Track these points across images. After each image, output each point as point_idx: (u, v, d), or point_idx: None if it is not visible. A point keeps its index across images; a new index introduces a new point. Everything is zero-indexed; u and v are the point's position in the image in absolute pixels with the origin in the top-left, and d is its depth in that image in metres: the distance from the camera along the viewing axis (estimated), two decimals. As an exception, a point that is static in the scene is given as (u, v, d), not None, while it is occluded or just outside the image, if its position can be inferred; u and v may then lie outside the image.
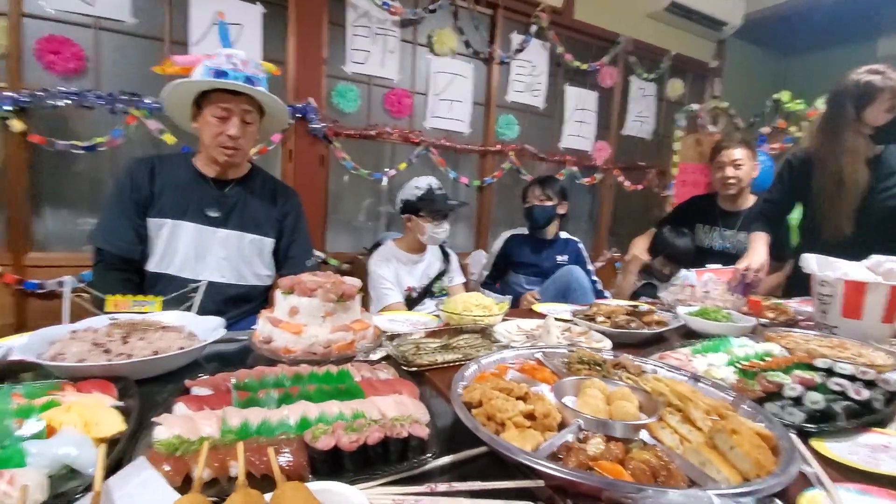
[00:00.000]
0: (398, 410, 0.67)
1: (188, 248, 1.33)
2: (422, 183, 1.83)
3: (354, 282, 1.00)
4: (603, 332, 1.16)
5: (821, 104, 3.32)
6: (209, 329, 0.88)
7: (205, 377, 0.75)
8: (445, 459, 0.61)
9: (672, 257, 2.19)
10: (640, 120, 3.76)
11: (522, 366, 0.89)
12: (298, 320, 0.89)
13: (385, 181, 2.70)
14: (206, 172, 1.37)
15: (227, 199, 1.38)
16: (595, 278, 2.19)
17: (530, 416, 0.67)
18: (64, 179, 2.10)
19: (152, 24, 2.12)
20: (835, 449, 0.69)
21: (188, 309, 1.12)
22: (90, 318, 0.88)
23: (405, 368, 0.90)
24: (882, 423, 0.79)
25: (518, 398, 0.71)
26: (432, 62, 2.70)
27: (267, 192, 1.47)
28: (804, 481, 0.60)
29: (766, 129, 3.47)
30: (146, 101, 2.03)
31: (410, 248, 1.87)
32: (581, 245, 2.30)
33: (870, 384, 0.86)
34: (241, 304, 1.39)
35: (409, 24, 2.62)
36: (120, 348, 0.76)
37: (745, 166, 2.06)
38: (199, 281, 1.21)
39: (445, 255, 2.00)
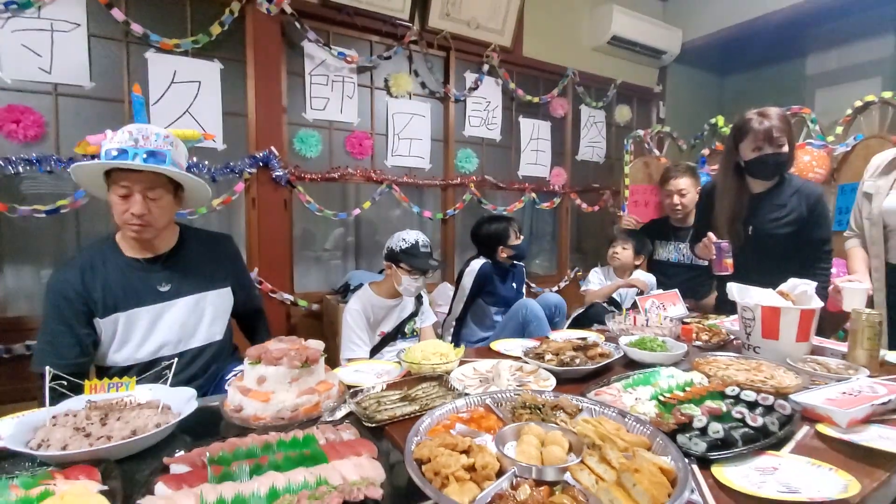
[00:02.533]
0: (357, 473, 0.76)
1: (148, 330, 1.33)
2: (410, 237, 1.88)
3: (318, 345, 1.09)
4: (550, 371, 1.28)
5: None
6: (183, 401, 0.95)
7: (182, 453, 0.83)
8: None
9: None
10: (592, 145, 3.98)
11: (472, 414, 1.00)
12: (266, 388, 0.97)
13: (351, 218, 2.80)
14: (136, 255, 1.35)
15: (172, 269, 1.38)
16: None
17: (471, 468, 0.78)
18: (28, 239, 2.11)
19: (111, 86, 2.18)
20: (730, 474, 0.82)
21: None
22: (67, 400, 0.94)
23: (367, 425, 0.99)
24: (777, 446, 0.92)
25: (462, 451, 0.81)
26: (390, 104, 2.84)
27: (205, 247, 1.49)
28: (695, 508, 0.73)
29: (706, 151, 3.74)
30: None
31: (388, 293, 1.91)
32: (524, 269, 2.48)
33: (769, 409, 1.01)
34: (213, 361, 1.45)
35: (366, 70, 2.75)
36: (99, 431, 0.83)
37: (689, 194, 2.31)
38: (171, 358, 1.25)
39: (418, 297, 2.07)
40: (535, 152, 3.56)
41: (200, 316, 1.42)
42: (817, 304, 1.47)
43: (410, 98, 2.89)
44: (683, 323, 1.75)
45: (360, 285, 1.99)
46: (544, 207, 3.60)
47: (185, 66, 2.25)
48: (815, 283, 1.52)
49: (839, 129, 3.34)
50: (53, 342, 1.24)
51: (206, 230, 1.59)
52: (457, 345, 2.13)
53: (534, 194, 3.48)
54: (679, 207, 2.30)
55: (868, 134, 3.20)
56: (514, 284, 2.36)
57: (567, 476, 0.77)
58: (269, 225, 2.42)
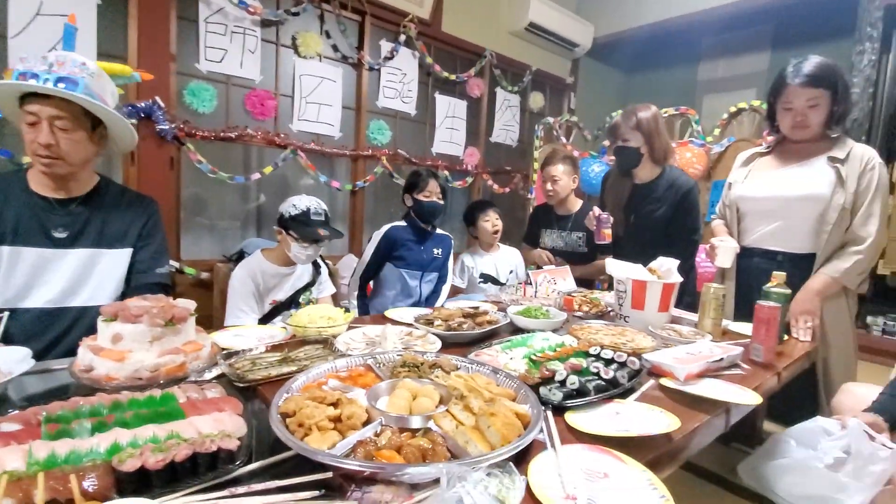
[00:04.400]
0: (214, 427, 0.73)
1: (29, 275, 1.23)
2: (302, 203, 1.78)
3: (187, 304, 1.02)
4: (437, 335, 1.32)
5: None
6: (14, 361, 0.85)
7: (14, 412, 0.74)
8: (254, 465, 0.70)
9: None
10: (506, 129, 4.09)
11: (350, 373, 1.00)
12: (122, 347, 0.89)
13: (251, 183, 2.63)
14: (43, 192, 1.26)
15: (75, 217, 1.29)
16: (452, 275, 2.38)
17: (337, 419, 0.79)
18: None
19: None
20: (579, 418, 0.90)
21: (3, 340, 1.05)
22: None
23: (238, 385, 0.96)
24: (624, 396, 1.04)
25: (330, 404, 0.82)
26: (298, 64, 2.68)
27: (123, 203, 1.39)
28: (542, 446, 0.80)
29: (606, 142, 4.01)
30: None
31: (281, 260, 1.82)
32: (452, 241, 2.40)
33: (622, 365, 1.13)
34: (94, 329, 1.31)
35: (271, 25, 2.57)
36: None
37: (562, 181, 2.46)
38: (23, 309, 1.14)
39: (316, 266, 2.00)
40: (450, 130, 3.59)
41: (89, 274, 1.31)
42: (677, 279, 1.65)
43: (321, 60, 2.76)
44: (569, 295, 1.89)
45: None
46: (457, 186, 3.66)
47: (54, -4, 1.94)
48: (677, 261, 1.71)
49: (717, 131, 3.75)
50: None
51: (132, 189, 1.49)
52: (364, 312, 2.13)
53: (447, 172, 3.52)
54: (551, 193, 2.45)
55: (739, 137, 3.64)
56: (436, 251, 2.26)
57: (431, 423, 0.80)
58: (150, 184, 2.20)
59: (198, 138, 2.35)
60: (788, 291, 1.50)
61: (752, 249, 1.85)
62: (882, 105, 3.26)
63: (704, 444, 0.99)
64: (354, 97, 3.00)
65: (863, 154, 1.70)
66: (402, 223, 2.23)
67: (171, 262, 2.22)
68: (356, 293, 2.22)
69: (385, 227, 2.22)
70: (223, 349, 1.09)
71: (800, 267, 1.74)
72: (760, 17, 3.93)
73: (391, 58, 3.06)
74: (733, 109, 3.66)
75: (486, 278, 2.50)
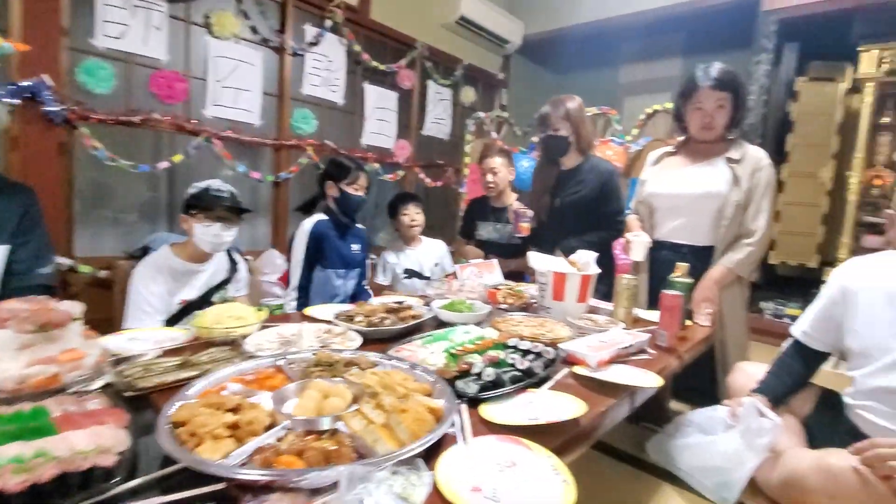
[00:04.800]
0: (91, 442, 0.66)
1: None
2: (204, 183, 1.65)
3: (71, 307, 0.91)
4: (358, 332, 1.29)
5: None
6: None
7: None
8: (136, 482, 0.63)
9: None
10: (437, 122, 4.09)
11: (257, 375, 0.95)
12: (-19, 356, 0.78)
13: (159, 172, 2.42)
14: None
15: None
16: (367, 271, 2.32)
17: (235, 426, 0.74)
18: None
19: None
20: (493, 409, 0.91)
21: None
22: None
23: (127, 394, 0.87)
24: (538, 385, 1.07)
25: (228, 410, 0.76)
26: (211, 45, 2.49)
27: None
28: (455, 440, 0.80)
29: (535, 138, 4.13)
30: None
31: (191, 255, 1.66)
32: (365, 233, 2.32)
33: (538, 355, 1.16)
34: None
35: (180, 1, 2.37)
36: None
37: (501, 173, 2.49)
38: None
39: (233, 262, 1.87)
40: (381, 122, 3.52)
41: None
42: (595, 271, 1.73)
43: (237, 42, 2.58)
44: (495, 288, 1.92)
45: (164, 249, 1.72)
46: (388, 179, 3.60)
47: None
48: (596, 254, 1.79)
49: (635, 131, 3.99)
50: None
51: (4, 176, 1.34)
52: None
53: (377, 165, 3.45)
54: (492, 185, 2.49)
55: (655, 137, 3.89)
56: (354, 246, 2.17)
57: (341, 424, 0.77)
58: (37, 172, 1.95)
59: (94, 122, 2.11)
60: (691, 281, 1.62)
61: (662, 243, 1.99)
62: (772, 112, 3.61)
63: (611, 426, 1.04)
64: (277, 83, 2.84)
65: (755, 155, 1.87)
66: (324, 217, 2.08)
67: (62, 260, 1.99)
68: (294, 305, 2.05)
69: (308, 224, 2.05)
70: (114, 355, 0.99)
71: (701, 258, 1.89)
72: (673, 26, 4.21)
73: (316, 43, 2.93)
74: (649, 111, 3.91)
75: (411, 273, 2.48)
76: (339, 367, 0.99)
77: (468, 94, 4.35)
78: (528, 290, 2.01)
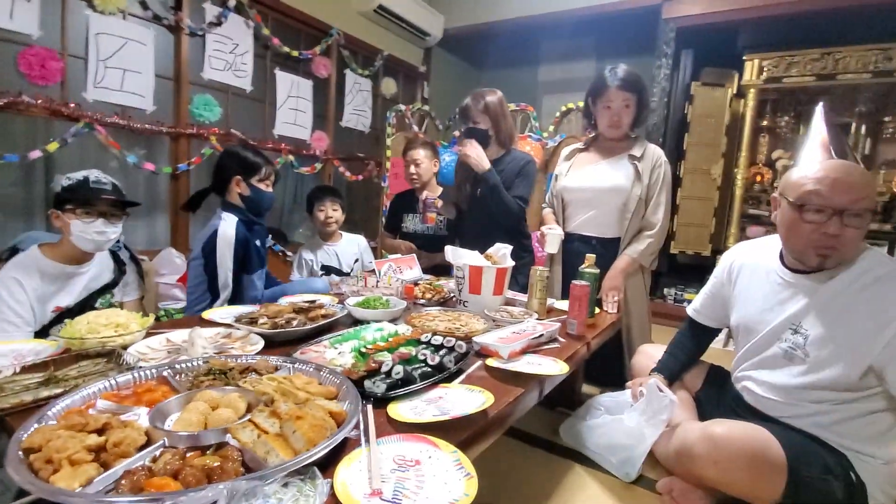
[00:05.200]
0: None
1: None
2: (78, 174, 1.46)
3: None
4: (261, 335, 1.20)
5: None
6: None
7: None
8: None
9: None
10: (357, 113, 3.97)
11: (135, 389, 0.85)
12: None
13: (30, 161, 2.11)
14: None
15: None
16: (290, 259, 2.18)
17: (102, 448, 0.65)
18: None
19: None
20: (401, 408, 0.89)
21: None
22: None
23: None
24: (450, 379, 1.06)
25: (93, 431, 0.67)
26: (93, 20, 2.20)
27: None
28: (358, 443, 0.76)
29: (457, 132, 4.16)
30: None
31: (66, 255, 1.46)
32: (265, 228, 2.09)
33: (450, 350, 1.15)
34: None
35: (53, -32, 2.08)
36: None
37: (424, 164, 2.47)
38: None
39: (119, 263, 1.67)
40: (294, 111, 3.34)
41: None
42: (510, 263, 1.76)
43: (125, 18, 2.31)
44: (413, 283, 1.89)
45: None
46: (304, 172, 3.44)
47: None
48: (511, 247, 1.82)
49: (551, 128, 4.14)
50: None
51: None
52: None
53: (292, 157, 3.28)
54: (415, 177, 2.46)
55: (569, 134, 4.07)
56: (257, 242, 1.93)
57: (229, 437, 0.71)
58: None
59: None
60: (597, 271, 1.69)
61: (574, 235, 2.07)
62: (672, 113, 3.92)
63: (520, 415, 1.06)
64: (173, 66, 2.58)
65: (654, 153, 2.00)
66: (236, 218, 1.80)
67: None
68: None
69: (230, 230, 1.77)
70: (-49, 376, 0.84)
71: (609, 249, 1.99)
72: (586, 29, 4.42)
73: (218, 24, 2.70)
74: (564, 109, 4.08)
75: (328, 270, 2.39)
76: (234, 374, 0.91)
77: (389, 86, 4.28)
78: (447, 284, 2.02)
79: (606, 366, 2.03)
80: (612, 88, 1.91)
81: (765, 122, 3.82)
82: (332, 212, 2.41)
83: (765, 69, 3.46)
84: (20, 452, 0.63)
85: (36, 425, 0.70)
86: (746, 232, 3.62)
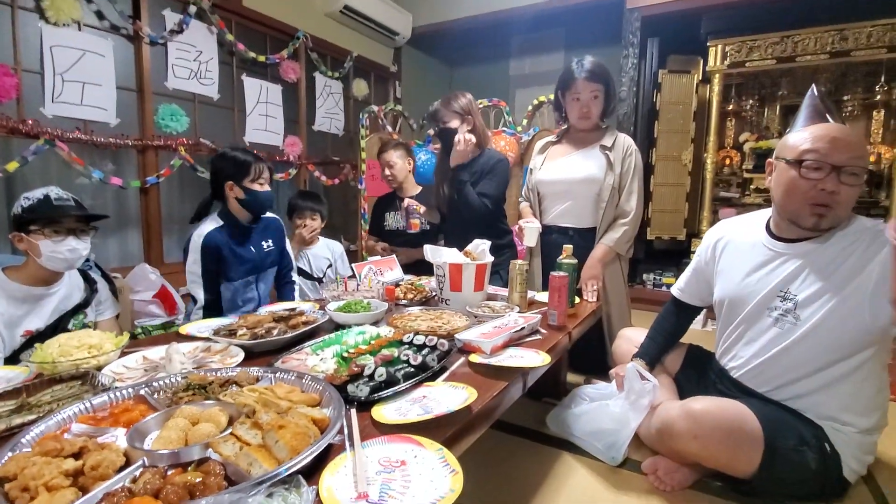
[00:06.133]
0: None
1: None
2: (36, 193, 1.41)
3: None
4: (241, 346, 1.19)
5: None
6: None
7: None
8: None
9: None
10: (329, 116, 3.94)
11: (111, 410, 0.83)
12: None
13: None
14: None
15: None
16: (292, 262, 2.16)
17: (80, 472, 0.63)
18: None
19: None
20: (386, 410, 0.89)
21: None
22: None
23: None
24: (433, 378, 1.06)
25: (69, 456, 0.66)
26: (46, 33, 2.13)
27: None
28: (342, 449, 0.76)
29: (431, 131, 4.15)
30: None
31: (32, 277, 1.42)
32: (279, 221, 2.10)
33: (432, 349, 1.15)
34: None
35: (1, -20, 2.00)
36: None
37: (398, 165, 2.48)
38: None
39: (89, 281, 1.62)
40: (265, 117, 3.30)
41: None
42: (489, 259, 1.77)
43: (80, 29, 2.24)
44: (394, 285, 1.89)
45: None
46: (279, 179, 3.40)
47: None
48: (489, 242, 1.83)
49: (525, 122, 4.17)
50: None
51: None
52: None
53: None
54: (390, 178, 2.48)
55: (542, 127, 4.10)
56: (265, 244, 1.95)
57: (211, 452, 0.70)
58: None
59: None
60: (575, 261, 1.72)
61: (551, 227, 2.10)
62: (642, 102, 3.98)
63: (505, 408, 1.07)
64: (135, 76, 2.52)
65: (624, 142, 2.04)
66: (217, 224, 1.80)
67: None
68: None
69: (197, 238, 1.76)
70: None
71: (586, 239, 2.02)
72: (554, 22, 4.46)
73: (180, 31, 2.64)
74: (536, 102, 4.11)
75: (300, 273, 2.38)
76: (214, 388, 0.90)
77: (360, 87, 4.25)
78: (429, 283, 2.02)
79: (590, 354, 2.07)
80: (579, 80, 1.94)
81: (731, 107, 3.92)
82: (311, 221, 2.41)
83: (728, 54, 3.55)
84: (-7, 484, 0.62)
85: (10, 454, 0.68)
86: (718, 214, 3.71)
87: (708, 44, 3.59)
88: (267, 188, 1.87)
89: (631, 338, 1.73)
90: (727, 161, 4.02)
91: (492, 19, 4.40)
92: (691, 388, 1.50)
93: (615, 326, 2.04)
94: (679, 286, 1.63)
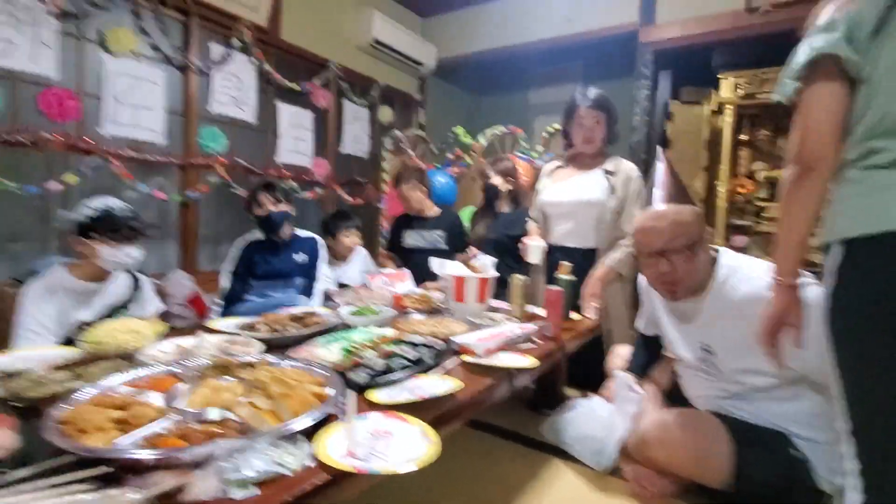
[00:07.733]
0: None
1: None
2: (98, 203, 1.62)
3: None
4: (261, 340, 1.34)
5: (482, 139, 4.39)
6: None
7: None
8: (25, 471, 0.66)
9: None
10: (356, 140, 4.17)
11: (150, 381, 0.98)
12: None
13: (50, 193, 2.29)
14: None
15: None
16: (326, 274, 2.38)
17: (123, 421, 0.78)
18: None
19: None
20: (380, 394, 1.01)
21: None
22: None
23: (15, 405, 0.88)
24: (427, 371, 1.19)
25: (116, 407, 0.81)
26: (107, 62, 2.41)
27: None
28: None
29: (451, 156, 4.36)
30: None
31: (88, 274, 1.62)
32: (319, 241, 2.45)
33: (429, 347, 1.28)
34: None
35: (71, 18, 2.29)
36: None
37: (413, 199, 2.78)
38: None
39: (135, 279, 1.83)
40: (296, 140, 3.54)
41: None
42: (493, 274, 1.90)
43: (137, 59, 2.52)
44: (405, 295, 2.03)
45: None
46: (307, 197, 3.61)
47: None
48: (496, 260, 1.96)
49: (541, 148, 4.33)
50: None
51: None
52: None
53: (294, 183, 3.46)
54: (408, 209, 2.80)
55: (556, 153, 4.25)
56: (297, 256, 2.32)
57: (230, 414, 0.84)
58: None
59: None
60: (573, 278, 1.83)
61: (555, 246, 2.21)
62: (655, 130, 4.09)
63: (490, 402, 1.18)
64: (182, 102, 2.79)
65: (627, 168, 2.15)
66: (258, 237, 2.29)
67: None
68: (220, 312, 2.13)
69: (241, 241, 2.29)
70: (2, 373, 0.98)
71: (588, 259, 2.12)
72: (572, 55, 4.64)
73: (224, 62, 2.92)
74: (551, 130, 4.27)
75: (340, 287, 2.56)
76: (234, 368, 1.04)
77: (385, 114, 4.48)
78: (436, 296, 2.15)
79: (590, 371, 2.14)
80: (582, 107, 2.09)
81: (743, 137, 3.98)
82: (354, 236, 2.77)
83: (740, 87, 3.64)
84: (55, 424, 0.76)
85: (66, 407, 0.83)
86: (731, 241, 3.74)
87: (720, 76, 3.69)
88: (270, 210, 2.22)
89: (623, 355, 1.81)
90: (740, 189, 4.06)
91: (512, 52, 4.61)
92: (676, 403, 1.57)
93: (615, 342, 2.11)
94: (640, 322, 1.74)
